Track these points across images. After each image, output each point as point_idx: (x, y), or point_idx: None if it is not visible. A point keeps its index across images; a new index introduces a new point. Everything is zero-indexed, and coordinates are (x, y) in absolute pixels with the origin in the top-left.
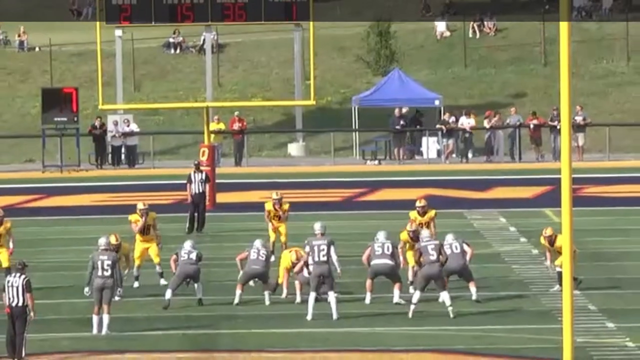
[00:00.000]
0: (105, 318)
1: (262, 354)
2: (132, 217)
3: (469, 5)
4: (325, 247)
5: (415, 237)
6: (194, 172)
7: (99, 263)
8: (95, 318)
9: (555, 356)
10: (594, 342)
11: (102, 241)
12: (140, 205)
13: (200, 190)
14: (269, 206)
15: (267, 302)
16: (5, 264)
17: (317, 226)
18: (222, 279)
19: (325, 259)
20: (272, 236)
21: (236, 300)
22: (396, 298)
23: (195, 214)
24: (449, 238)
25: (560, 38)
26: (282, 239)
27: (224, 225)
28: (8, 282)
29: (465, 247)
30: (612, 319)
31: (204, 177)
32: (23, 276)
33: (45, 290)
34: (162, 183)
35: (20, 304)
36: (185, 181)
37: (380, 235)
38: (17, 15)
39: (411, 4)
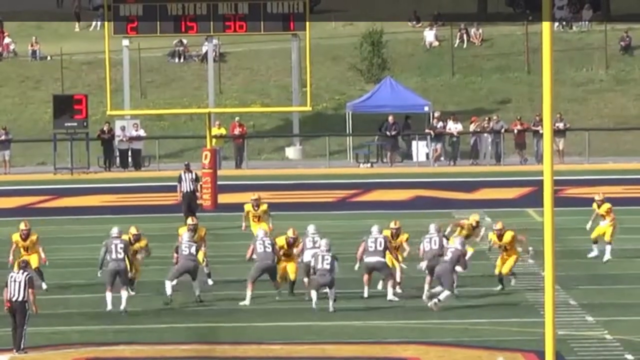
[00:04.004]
0: (124, 294)
1: (261, 346)
2: (181, 231)
3: (457, 17)
4: (329, 258)
5: (397, 235)
6: (184, 172)
7: (113, 247)
8: (109, 295)
9: (538, 348)
10: (574, 334)
11: (115, 230)
12: (189, 221)
13: (191, 189)
14: (248, 207)
15: (278, 297)
16: (34, 265)
17: (323, 243)
18: (223, 276)
19: (328, 267)
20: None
21: (247, 302)
22: (390, 295)
23: (189, 211)
24: (431, 228)
25: (542, 38)
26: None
27: (225, 224)
28: (11, 277)
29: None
30: (592, 312)
31: (194, 177)
32: (26, 273)
33: (57, 285)
34: (167, 185)
35: (20, 298)
36: (175, 182)
37: (374, 230)
38: (30, 26)
39: (402, 15)
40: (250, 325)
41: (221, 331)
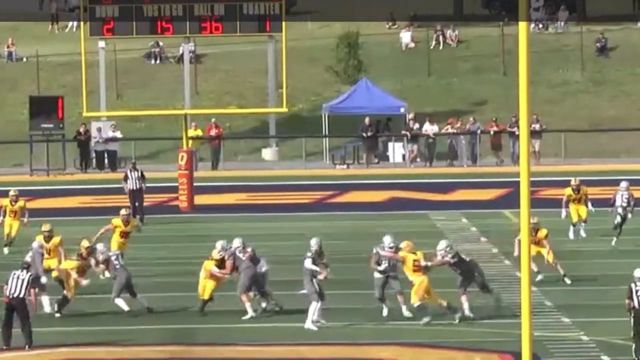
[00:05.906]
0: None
1: (237, 347)
2: (115, 221)
3: (433, 18)
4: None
5: (535, 230)
6: (130, 170)
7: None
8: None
9: (515, 349)
10: (550, 336)
11: (36, 244)
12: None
13: (137, 187)
14: (5, 202)
15: (277, 308)
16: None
17: (313, 242)
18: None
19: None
20: (7, 230)
21: (253, 313)
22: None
23: (135, 206)
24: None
25: (519, 38)
26: (13, 233)
27: (201, 225)
28: (14, 274)
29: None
30: (568, 314)
31: (140, 175)
32: (29, 273)
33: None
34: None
35: (20, 295)
36: (122, 182)
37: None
38: (6, 27)
39: (378, 16)
40: (226, 326)
41: (197, 333)
